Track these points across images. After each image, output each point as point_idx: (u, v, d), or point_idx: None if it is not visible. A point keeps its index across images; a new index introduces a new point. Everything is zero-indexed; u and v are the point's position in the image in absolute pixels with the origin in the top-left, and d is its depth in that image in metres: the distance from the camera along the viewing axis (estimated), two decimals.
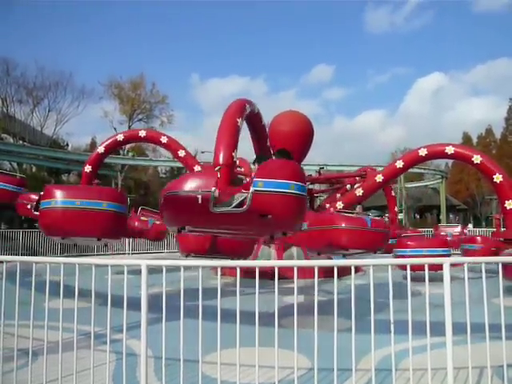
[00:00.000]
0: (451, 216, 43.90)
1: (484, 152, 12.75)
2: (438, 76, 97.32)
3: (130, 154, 46.18)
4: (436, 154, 11.72)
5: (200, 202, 5.80)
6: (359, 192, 12.57)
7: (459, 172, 58.11)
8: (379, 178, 12.14)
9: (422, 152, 11.53)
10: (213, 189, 5.84)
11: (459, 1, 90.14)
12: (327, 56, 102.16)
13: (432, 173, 47.64)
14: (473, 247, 13.68)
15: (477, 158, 10.91)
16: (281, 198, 5.63)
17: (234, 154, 7.30)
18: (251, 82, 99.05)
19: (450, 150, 11.13)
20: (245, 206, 5.62)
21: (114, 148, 14.16)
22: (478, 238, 14.78)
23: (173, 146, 13.26)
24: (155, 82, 46.84)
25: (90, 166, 11.98)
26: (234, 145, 7.46)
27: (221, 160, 7.15)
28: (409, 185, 44.98)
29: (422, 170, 48.44)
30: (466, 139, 60.33)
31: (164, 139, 13.22)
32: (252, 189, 5.64)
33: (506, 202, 10.46)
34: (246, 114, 8.42)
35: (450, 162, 64.77)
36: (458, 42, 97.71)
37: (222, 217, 5.85)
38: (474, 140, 61.30)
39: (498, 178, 10.62)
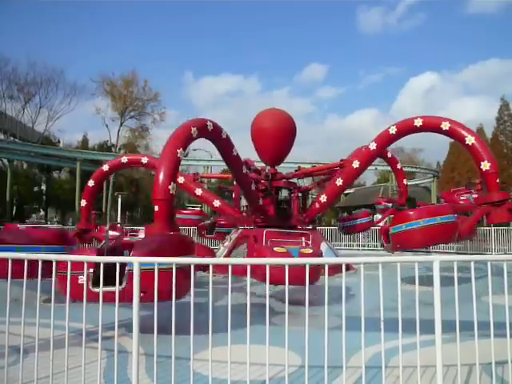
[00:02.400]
0: None
1: None
2: (430, 75, 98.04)
3: (122, 151, 45.98)
4: (431, 126, 11.13)
5: None
6: (339, 182, 12.59)
7: (451, 171, 58.35)
8: (356, 164, 12.20)
9: (392, 130, 11.43)
10: None
11: (451, 2, 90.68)
12: (320, 55, 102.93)
13: (423, 172, 47.89)
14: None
15: (445, 125, 10.60)
16: None
17: (170, 187, 7.67)
18: (244, 81, 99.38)
19: (445, 125, 10.68)
20: None
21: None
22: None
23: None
24: (147, 79, 46.60)
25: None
26: (170, 178, 7.77)
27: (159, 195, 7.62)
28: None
29: (414, 169, 48.69)
30: None
31: (145, 160, 14.65)
32: None
33: (482, 163, 10.14)
34: (191, 140, 8.68)
35: (442, 161, 65.21)
36: (449, 43, 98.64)
37: None
38: None
39: (470, 140, 10.34)
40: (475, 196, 14.33)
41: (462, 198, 16.03)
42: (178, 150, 8.11)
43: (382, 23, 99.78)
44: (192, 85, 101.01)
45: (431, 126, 11.02)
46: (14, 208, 44.04)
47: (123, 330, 3.88)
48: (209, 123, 9.10)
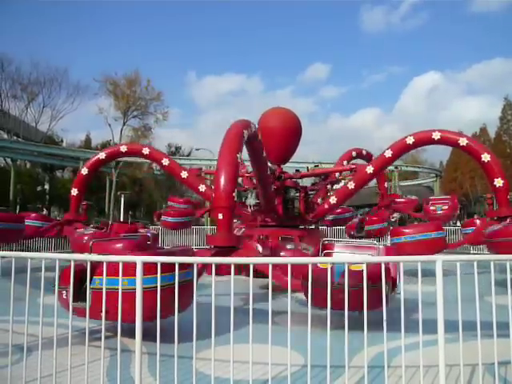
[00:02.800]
0: None
1: None
2: (433, 75, 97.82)
3: None
4: (423, 140, 11.69)
5: None
6: (351, 185, 12.62)
7: (453, 171, 58.24)
8: (370, 170, 12.27)
9: (409, 140, 11.61)
10: None
11: (455, 1, 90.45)
12: (323, 54, 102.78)
13: (426, 171, 47.83)
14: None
15: (463, 141, 11.02)
16: None
17: (234, 195, 7.41)
18: (247, 80, 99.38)
19: (436, 135, 11.19)
20: None
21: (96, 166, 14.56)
22: (477, 221, 15.30)
23: (157, 156, 13.74)
24: (150, 79, 46.51)
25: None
26: (234, 184, 7.50)
27: (222, 202, 7.23)
28: (403, 183, 45.12)
29: (417, 169, 48.60)
30: None
31: (146, 150, 13.78)
32: None
33: (495, 180, 10.71)
34: (243, 143, 8.41)
35: (445, 160, 65.10)
36: (453, 42, 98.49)
37: None
38: None
39: (486, 157, 10.79)
40: (445, 208, 16.70)
41: (431, 207, 17.27)
42: (238, 155, 7.95)
43: (386, 22, 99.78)
44: (195, 84, 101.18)
45: (449, 141, 11.55)
46: (18, 207, 44.13)
47: (126, 328, 3.89)
48: (252, 125, 9.08)
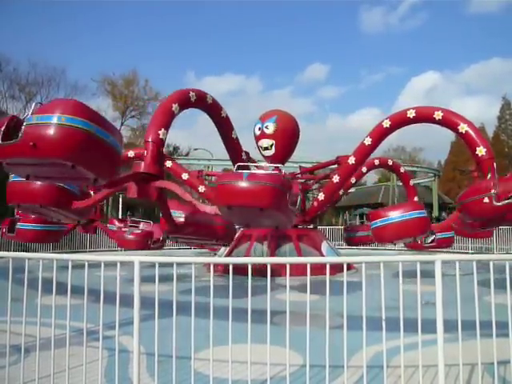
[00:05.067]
0: (443, 214, 44.06)
1: None
2: (432, 75, 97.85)
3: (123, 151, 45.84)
4: (424, 116, 10.97)
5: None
6: (336, 179, 12.54)
7: (452, 170, 58.35)
8: (352, 160, 12.10)
9: (386, 124, 11.43)
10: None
11: (453, 2, 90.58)
12: (322, 55, 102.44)
13: (425, 171, 47.79)
14: None
15: (438, 114, 10.42)
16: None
17: (160, 132, 8.16)
18: (246, 80, 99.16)
19: (411, 113, 10.81)
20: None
21: None
22: None
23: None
24: (148, 79, 46.63)
25: None
26: (162, 124, 8.30)
27: (149, 138, 8.01)
28: (401, 183, 45.08)
29: (415, 168, 48.60)
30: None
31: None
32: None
33: (477, 149, 9.66)
34: (187, 101, 9.19)
35: (443, 160, 65.17)
36: (451, 42, 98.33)
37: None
38: None
39: (463, 128, 10.05)
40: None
41: None
42: (173, 105, 8.78)
43: (384, 23, 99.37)
44: (194, 84, 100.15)
45: (424, 116, 10.91)
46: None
47: (124, 328, 3.88)
48: (189, 93, 9.40)
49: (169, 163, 13.18)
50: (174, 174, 13.98)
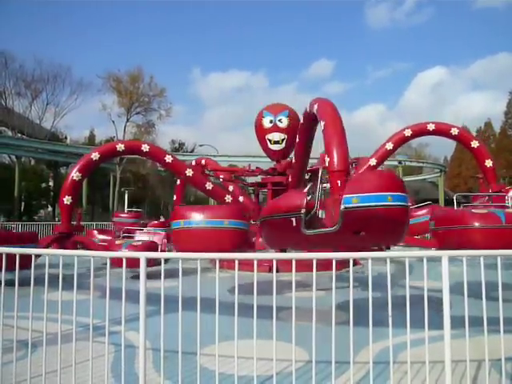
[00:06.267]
0: None
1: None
2: (438, 70, 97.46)
3: None
4: (419, 132, 13.47)
5: (294, 224, 5.81)
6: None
7: (458, 166, 58.08)
8: (373, 162, 13.07)
9: (408, 132, 13.18)
10: (302, 210, 5.77)
11: None
12: (328, 51, 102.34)
13: (431, 166, 47.66)
14: None
15: (454, 131, 12.92)
16: (375, 212, 5.16)
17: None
18: (252, 77, 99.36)
19: (431, 126, 12.92)
20: (335, 226, 5.43)
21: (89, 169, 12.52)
22: None
23: (158, 153, 12.76)
24: (153, 75, 46.46)
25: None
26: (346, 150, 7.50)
27: (336, 166, 6.98)
28: (407, 178, 44.93)
29: (421, 164, 48.43)
30: None
31: (145, 148, 12.27)
32: (342, 206, 5.34)
33: (486, 161, 12.70)
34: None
35: (449, 156, 64.86)
36: (458, 38, 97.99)
37: (315, 237, 5.80)
38: (473, 134, 61.13)
39: (475, 143, 12.96)
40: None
41: None
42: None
43: (390, 18, 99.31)
44: (200, 81, 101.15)
45: (442, 130, 13.25)
46: (23, 204, 44.30)
47: (130, 324, 3.88)
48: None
49: (168, 158, 12.40)
50: (175, 171, 13.23)
